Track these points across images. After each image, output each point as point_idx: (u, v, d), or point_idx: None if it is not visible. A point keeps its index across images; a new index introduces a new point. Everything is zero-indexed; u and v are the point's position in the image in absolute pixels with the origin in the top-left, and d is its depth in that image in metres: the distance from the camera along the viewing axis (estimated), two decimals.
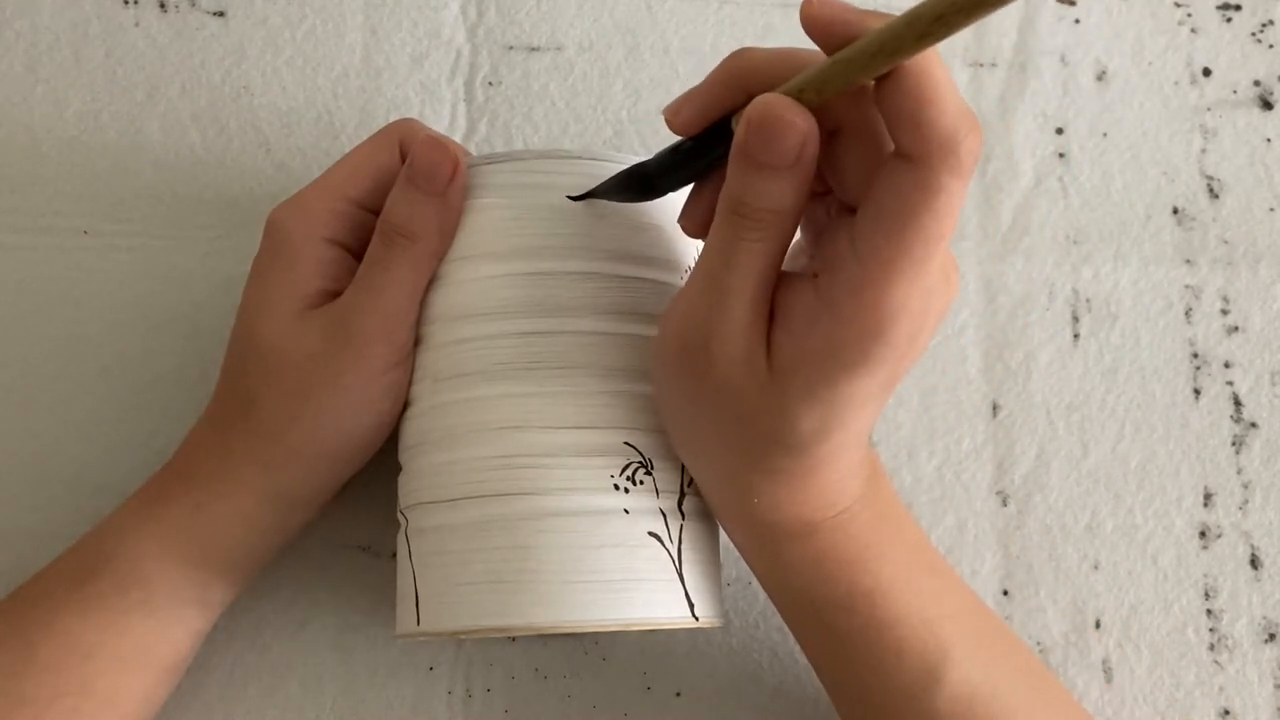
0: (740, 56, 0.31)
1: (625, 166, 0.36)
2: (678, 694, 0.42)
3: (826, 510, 0.33)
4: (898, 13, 0.25)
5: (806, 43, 0.29)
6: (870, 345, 0.29)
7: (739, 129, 0.29)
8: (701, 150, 0.32)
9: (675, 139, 0.33)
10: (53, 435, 0.43)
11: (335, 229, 0.37)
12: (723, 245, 0.30)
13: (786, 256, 0.31)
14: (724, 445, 0.33)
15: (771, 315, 0.31)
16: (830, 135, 0.30)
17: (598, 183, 0.35)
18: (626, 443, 0.34)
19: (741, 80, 0.30)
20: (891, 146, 0.29)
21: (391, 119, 0.41)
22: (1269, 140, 0.48)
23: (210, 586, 0.37)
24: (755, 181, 0.29)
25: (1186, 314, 0.46)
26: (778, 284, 0.31)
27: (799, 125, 0.28)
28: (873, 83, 0.28)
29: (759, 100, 0.29)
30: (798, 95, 0.28)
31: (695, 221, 0.34)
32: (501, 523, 0.34)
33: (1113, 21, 0.49)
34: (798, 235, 0.32)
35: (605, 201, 0.35)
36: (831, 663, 0.36)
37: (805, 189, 0.29)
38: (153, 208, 0.45)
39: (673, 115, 0.32)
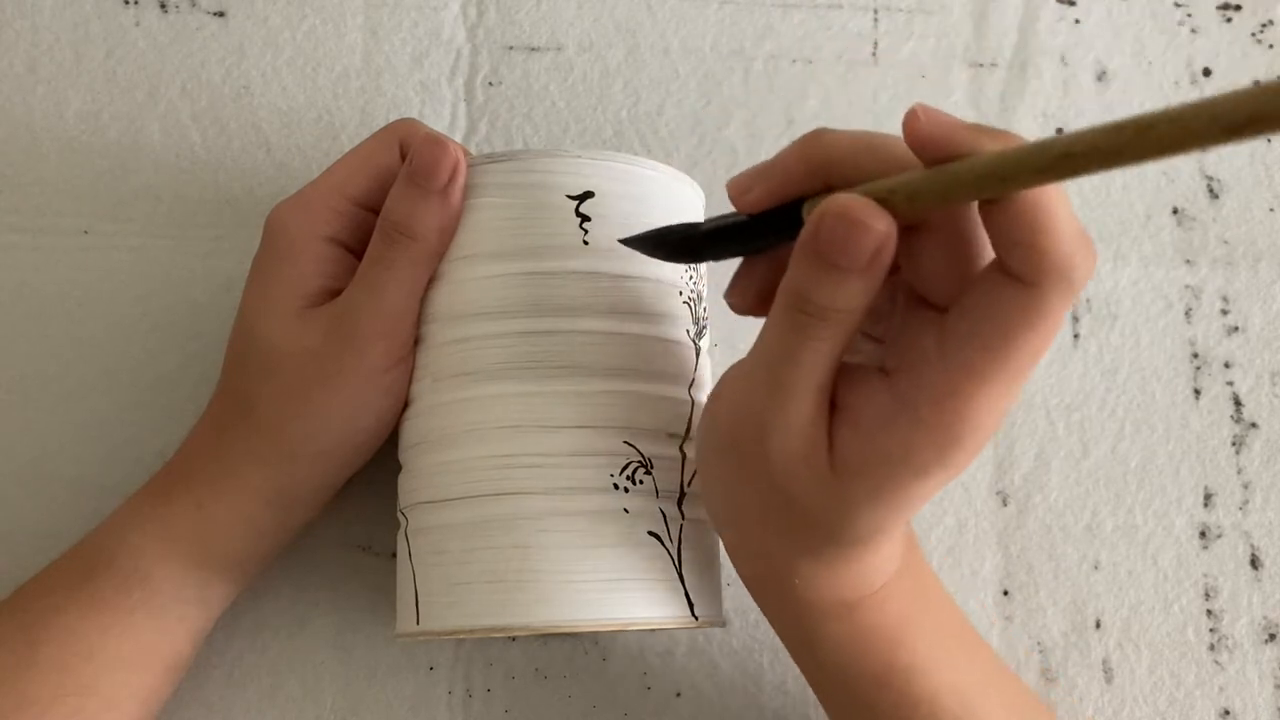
0: (817, 143, 0.29)
1: (624, 166, 0.36)
2: (678, 694, 0.42)
3: (865, 589, 0.33)
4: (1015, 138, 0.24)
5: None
6: (948, 453, 0.28)
7: (810, 222, 0.27)
8: (764, 231, 0.31)
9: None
10: (54, 435, 0.43)
11: (336, 227, 0.37)
12: (784, 340, 0.29)
13: None
14: (768, 529, 0.32)
15: (833, 407, 0.30)
16: (911, 229, 0.29)
17: (597, 183, 0.35)
18: (626, 442, 0.34)
19: (819, 168, 0.29)
20: (987, 256, 0.27)
21: (391, 119, 0.41)
22: (1269, 140, 0.48)
23: (211, 586, 0.37)
24: (823, 279, 0.27)
25: (1186, 314, 0.46)
26: (839, 374, 0.30)
27: (878, 229, 0.26)
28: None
29: (838, 198, 0.27)
30: (886, 197, 0.27)
31: (746, 299, 0.32)
32: (501, 522, 0.34)
33: (1113, 21, 0.49)
34: None
35: (604, 201, 0.35)
36: None
37: (876, 288, 0.28)
38: (153, 208, 0.45)
39: (739, 193, 0.30)
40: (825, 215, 0.27)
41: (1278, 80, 0.19)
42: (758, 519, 0.32)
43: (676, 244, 0.33)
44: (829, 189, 0.28)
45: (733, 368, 0.32)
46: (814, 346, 0.28)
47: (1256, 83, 0.48)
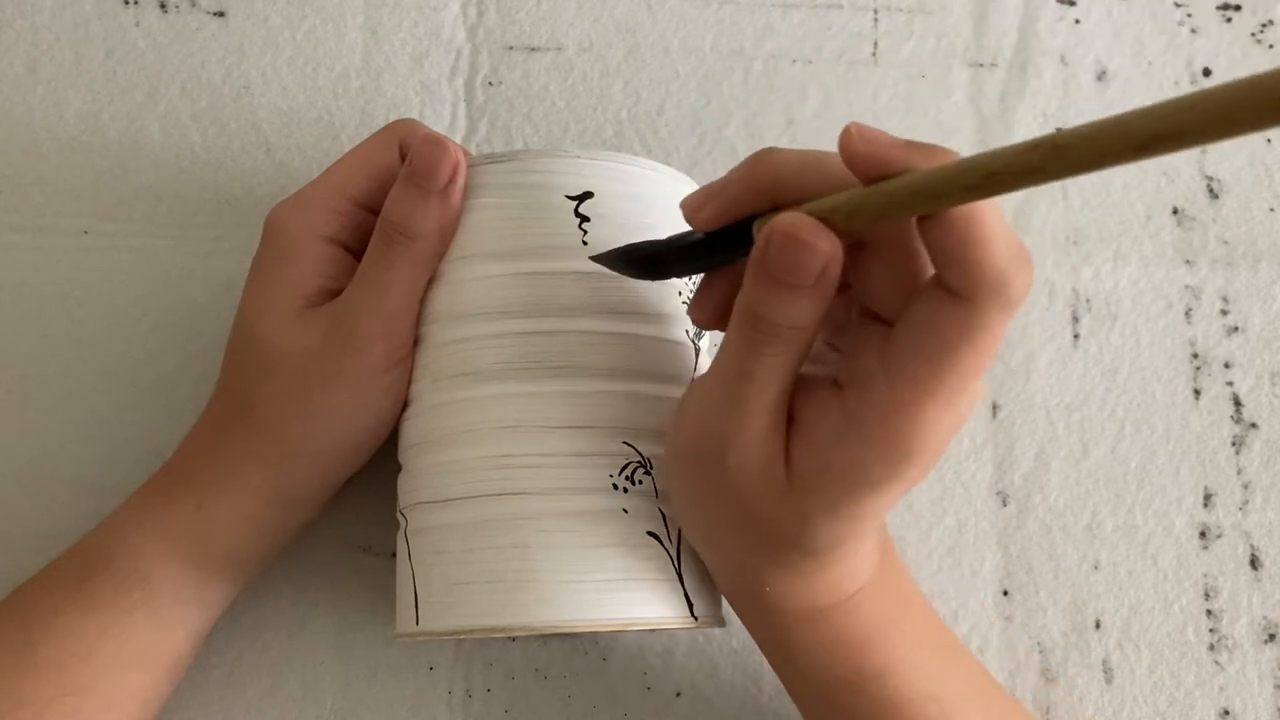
0: (764, 161, 0.30)
1: (624, 167, 0.36)
2: (678, 694, 0.42)
3: (838, 595, 0.33)
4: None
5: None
6: (897, 466, 0.28)
7: (759, 242, 0.28)
8: (718, 247, 0.31)
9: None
10: (54, 435, 0.43)
11: (335, 228, 0.37)
12: (739, 357, 0.29)
13: None
14: (736, 541, 0.32)
15: (790, 420, 0.30)
16: (857, 245, 0.30)
17: (596, 183, 0.35)
18: (625, 442, 0.34)
19: (767, 186, 0.29)
20: (929, 271, 0.28)
21: (391, 119, 0.41)
22: (1269, 140, 0.48)
23: (211, 586, 0.37)
24: (773, 297, 0.28)
25: (1186, 314, 0.46)
26: (796, 387, 0.30)
27: (822, 249, 0.27)
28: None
29: (783, 219, 0.27)
30: (827, 215, 0.27)
31: (706, 314, 0.33)
32: (500, 522, 0.34)
33: (1113, 21, 0.49)
34: None
35: (604, 201, 0.35)
36: None
37: (826, 304, 0.28)
38: (153, 208, 0.45)
39: (692, 212, 0.31)
40: (773, 234, 0.27)
41: (1183, 97, 0.19)
42: (725, 529, 0.32)
43: (640, 261, 0.34)
44: (777, 207, 0.29)
45: (695, 383, 0.33)
46: (768, 362, 0.29)
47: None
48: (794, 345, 0.29)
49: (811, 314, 0.28)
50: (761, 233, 0.28)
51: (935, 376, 0.27)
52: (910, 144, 0.26)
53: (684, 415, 0.32)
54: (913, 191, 0.25)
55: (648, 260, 0.33)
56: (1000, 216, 0.26)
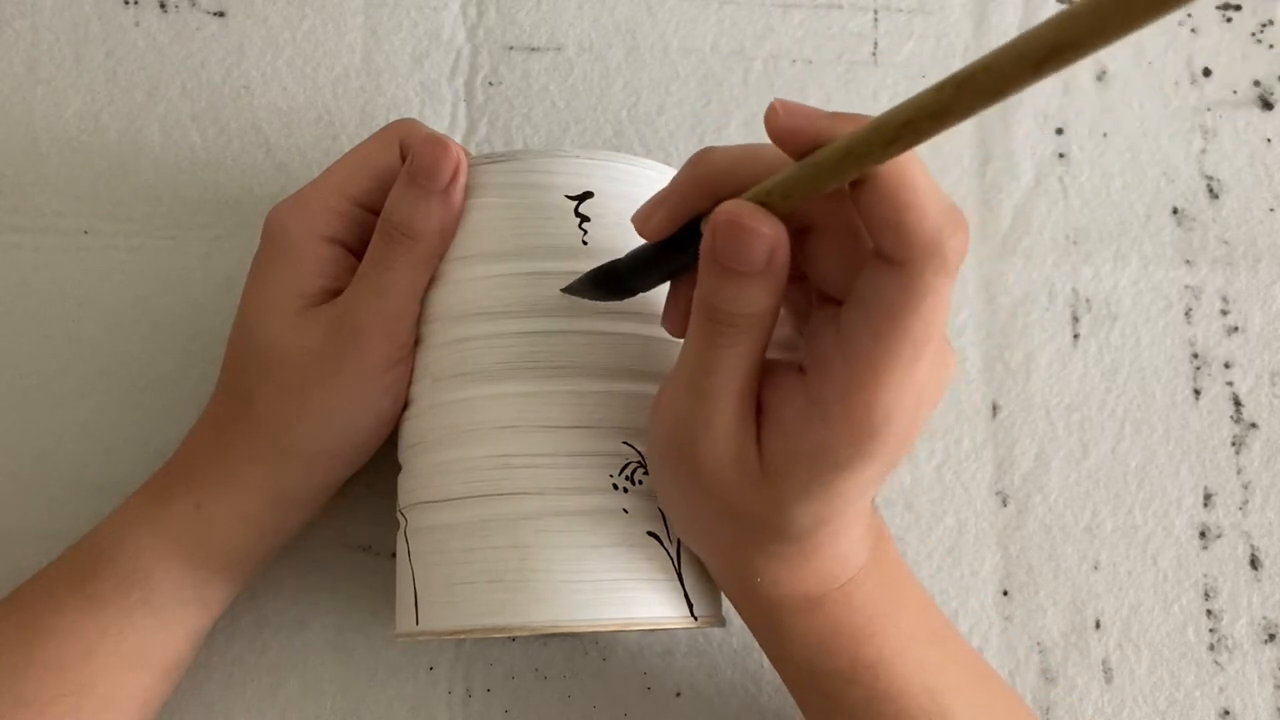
0: (703, 160, 0.30)
1: (623, 166, 0.36)
2: (678, 694, 0.42)
3: (830, 583, 0.33)
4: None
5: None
6: (865, 445, 0.28)
7: (705, 236, 0.28)
8: (672, 253, 0.32)
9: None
10: (53, 435, 0.43)
11: (335, 228, 0.37)
12: (701, 350, 0.30)
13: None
14: (722, 532, 0.32)
15: (760, 409, 0.31)
16: (803, 231, 0.30)
17: (596, 183, 0.35)
18: (625, 442, 0.34)
19: (707, 184, 0.30)
20: (871, 243, 0.28)
21: (391, 119, 0.41)
22: (1269, 140, 0.48)
23: (211, 585, 0.37)
24: (726, 287, 0.28)
25: (1186, 314, 0.46)
26: (764, 375, 0.31)
27: (765, 233, 0.27)
28: (847, 185, 0.27)
29: (723, 208, 0.28)
30: (765, 199, 0.28)
31: (676, 321, 0.33)
32: (500, 522, 0.34)
33: None
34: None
35: (603, 201, 0.35)
36: None
37: (779, 290, 0.29)
38: (153, 208, 0.45)
39: (641, 222, 0.31)
40: (716, 225, 0.28)
41: (1068, 8, 0.19)
42: (710, 522, 0.32)
43: (604, 282, 0.34)
44: (720, 203, 0.29)
45: (665, 380, 0.33)
46: (729, 353, 0.29)
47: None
48: (752, 335, 0.29)
49: (765, 300, 0.29)
50: (708, 225, 0.28)
51: (885, 348, 0.27)
52: (834, 113, 0.27)
53: (657, 413, 0.32)
54: (838, 157, 0.25)
55: (610, 280, 0.33)
56: (930, 179, 0.26)
